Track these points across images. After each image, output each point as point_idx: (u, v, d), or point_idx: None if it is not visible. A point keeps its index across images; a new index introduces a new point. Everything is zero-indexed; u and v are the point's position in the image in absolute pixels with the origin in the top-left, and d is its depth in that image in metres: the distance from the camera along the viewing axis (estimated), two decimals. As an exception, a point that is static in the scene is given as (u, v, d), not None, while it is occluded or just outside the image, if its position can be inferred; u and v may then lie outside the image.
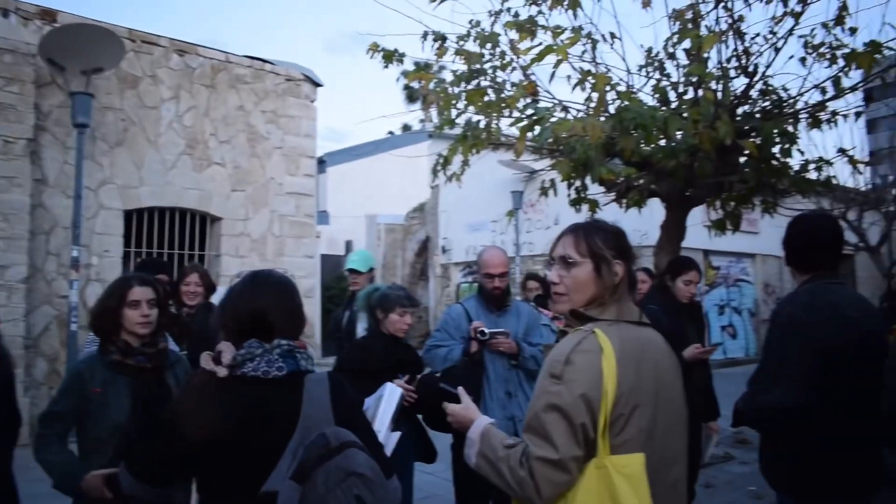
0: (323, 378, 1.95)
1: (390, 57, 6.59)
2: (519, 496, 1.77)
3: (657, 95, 6.34)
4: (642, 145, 5.70)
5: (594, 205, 6.57)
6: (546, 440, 1.72)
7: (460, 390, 2.07)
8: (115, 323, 2.89)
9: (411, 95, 39.10)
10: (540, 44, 5.43)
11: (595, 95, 5.56)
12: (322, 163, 20.76)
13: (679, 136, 5.57)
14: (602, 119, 5.18)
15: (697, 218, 7.83)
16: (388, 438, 2.02)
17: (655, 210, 7.27)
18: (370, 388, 3.66)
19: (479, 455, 1.86)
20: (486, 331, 3.96)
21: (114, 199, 9.82)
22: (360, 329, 5.36)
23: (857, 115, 6.93)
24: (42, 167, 9.18)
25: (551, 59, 5.18)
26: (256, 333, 1.96)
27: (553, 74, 5.31)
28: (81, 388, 2.82)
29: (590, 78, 5.55)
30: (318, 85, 12.38)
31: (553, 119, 5.26)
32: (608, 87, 5.62)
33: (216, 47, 11.25)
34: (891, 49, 5.65)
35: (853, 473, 2.55)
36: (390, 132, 34.20)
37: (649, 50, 6.61)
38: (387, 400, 2.05)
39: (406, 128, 35.81)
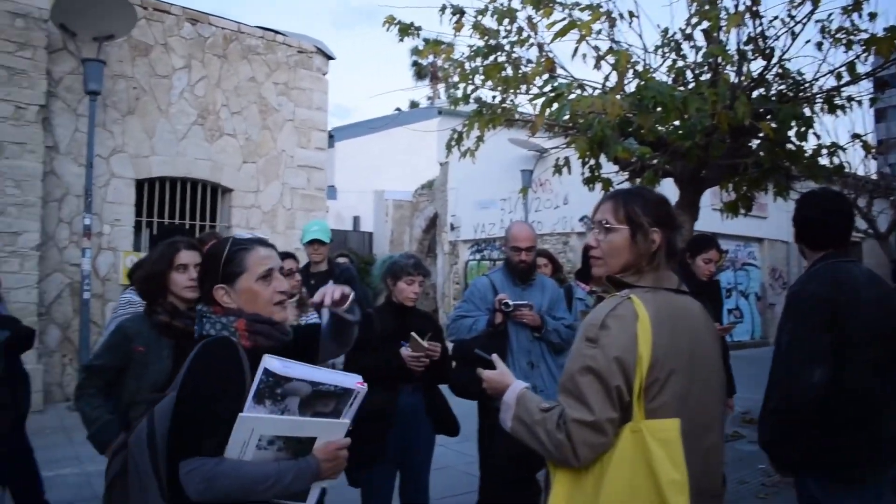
0: (200, 343, 1.98)
1: (406, 30, 6.55)
2: (556, 459, 1.79)
3: (673, 75, 6.32)
4: (658, 125, 5.70)
5: (607, 184, 6.57)
6: (582, 402, 1.75)
7: (495, 357, 2.09)
8: (162, 287, 2.94)
9: (420, 72, 38.98)
10: (564, 19, 5.40)
11: (614, 73, 5.55)
12: (330, 137, 20.75)
13: (695, 117, 5.56)
14: (620, 97, 5.17)
15: (706, 201, 7.83)
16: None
17: (668, 190, 7.26)
18: (376, 359, 3.70)
19: (515, 419, 1.88)
20: (511, 303, 4.07)
21: (125, 168, 9.85)
22: None
23: (872, 101, 6.91)
24: (53, 134, 9.20)
25: (572, 35, 5.17)
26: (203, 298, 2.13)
27: (576, 50, 5.30)
28: (125, 345, 2.89)
29: (610, 56, 5.53)
30: (329, 58, 12.35)
31: (571, 96, 5.25)
32: (628, 66, 5.60)
33: (227, 17, 11.20)
34: (911, 34, 5.61)
35: (872, 451, 2.56)
36: (398, 109, 34.11)
37: (665, 30, 6.58)
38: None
39: (414, 105, 35.70)
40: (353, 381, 1.94)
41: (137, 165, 9.98)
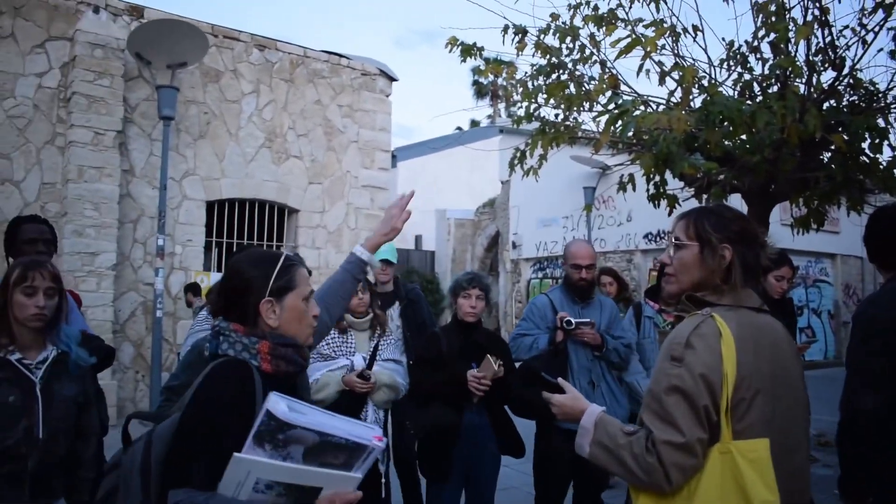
0: (212, 365, 1.87)
1: (469, 51, 6.61)
2: (644, 484, 1.74)
3: (739, 89, 6.22)
4: (725, 140, 5.62)
5: (673, 200, 6.49)
6: (670, 424, 1.71)
7: (561, 381, 2.06)
8: None
9: (480, 90, 39.16)
10: (628, 36, 5.39)
11: (679, 89, 5.50)
12: (393, 157, 21.00)
13: (764, 131, 5.47)
14: (686, 112, 5.11)
15: (776, 216, 7.65)
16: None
17: (736, 206, 7.12)
18: (439, 375, 3.72)
19: (594, 444, 1.84)
20: (572, 321, 4.04)
21: (197, 190, 10.15)
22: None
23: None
24: (129, 158, 9.55)
25: (635, 52, 5.15)
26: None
27: (641, 67, 5.27)
28: (201, 363, 2.95)
29: (675, 71, 5.48)
30: (392, 79, 12.52)
31: (636, 112, 5.22)
32: (694, 81, 5.55)
33: (293, 42, 11.49)
34: None
35: None
36: (458, 128, 34.28)
37: (731, 43, 6.48)
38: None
39: (474, 123, 35.83)
40: (370, 436, 1.74)
41: (208, 187, 10.27)
